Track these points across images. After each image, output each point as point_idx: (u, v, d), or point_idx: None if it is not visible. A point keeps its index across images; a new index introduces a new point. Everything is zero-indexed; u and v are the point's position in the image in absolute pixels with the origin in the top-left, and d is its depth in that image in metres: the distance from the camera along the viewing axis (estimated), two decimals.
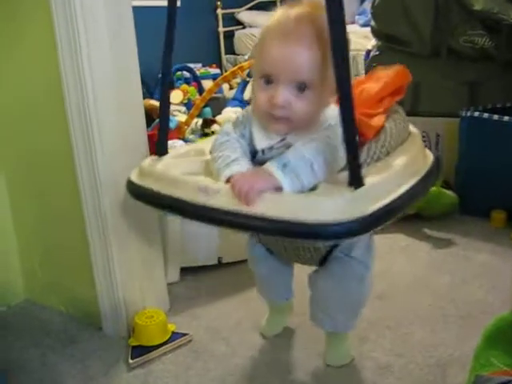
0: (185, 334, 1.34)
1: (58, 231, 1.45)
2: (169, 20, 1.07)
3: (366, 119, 1.05)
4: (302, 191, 0.91)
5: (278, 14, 1.00)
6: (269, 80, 0.98)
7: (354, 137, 0.86)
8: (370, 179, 0.90)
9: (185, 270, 1.65)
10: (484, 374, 0.90)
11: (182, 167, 1.11)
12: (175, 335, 1.34)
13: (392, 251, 1.78)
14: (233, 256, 1.69)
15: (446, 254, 1.74)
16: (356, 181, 0.88)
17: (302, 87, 0.96)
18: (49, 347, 1.35)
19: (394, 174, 0.97)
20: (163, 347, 1.30)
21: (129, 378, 1.22)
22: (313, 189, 0.91)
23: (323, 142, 0.94)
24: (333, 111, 0.96)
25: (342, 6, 0.81)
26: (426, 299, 1.47)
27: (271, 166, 0.91)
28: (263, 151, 1.04)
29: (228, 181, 0.95)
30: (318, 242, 1.08)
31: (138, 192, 1.09)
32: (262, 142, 1.04)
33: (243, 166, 0.98)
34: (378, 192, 0.90)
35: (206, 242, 1.60)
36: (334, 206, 0.86)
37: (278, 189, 0.90)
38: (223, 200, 0.91)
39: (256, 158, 1.05)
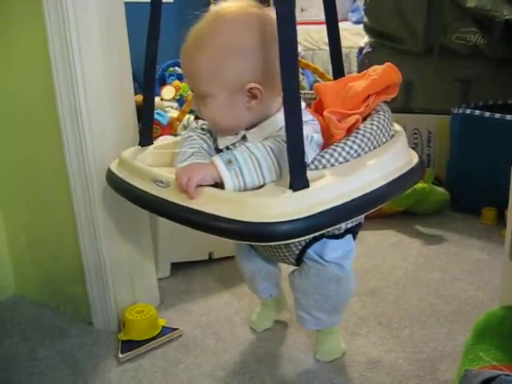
0: (175, 329, 1.34)
1: (48, 226, 1.44)
2: (153, 5, 1.09)
3: (336, 119, 1.01)
4: (244, 189, 0.90)
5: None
6: None
7: (297, 137, 0.83)
8: (319, 182, 0.88)
9: (175, 265, 1.65)
10: (473, 369, 0.90)
11: (159, 159, 1.11)
12: (165, 330, 1.33)
13: (383, 247, 1.78)
14: (224, 251, 1.68)
15: (436, 250, 1.75)
16: (297, 182, 0.84)
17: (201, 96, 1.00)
18: (39, 342, 1.34)
19: (352, 176, 0.91)
20: (153, 342, 1.29)
21: (118, 373, 1.21)
22: (258, 188, 0.90)
23: (276, 143, 0.93)
24: None
25: (291, 4, 0.80)
26: (417, 295, 1.47)
27: (216, 160, 0.91)
28: (226, 149, 1.05)
29: None
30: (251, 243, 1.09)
31: (111, 180, 1.10)
32: (223, 141, 1.05)
33: (199, 160, 0.98)
34: (326, 195, 0.86)
35: (196, 237, 1.58)
36: (267, 207, 0.84)
37: (220, 183, 0.90)
38: (171, 193, 0.93)
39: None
